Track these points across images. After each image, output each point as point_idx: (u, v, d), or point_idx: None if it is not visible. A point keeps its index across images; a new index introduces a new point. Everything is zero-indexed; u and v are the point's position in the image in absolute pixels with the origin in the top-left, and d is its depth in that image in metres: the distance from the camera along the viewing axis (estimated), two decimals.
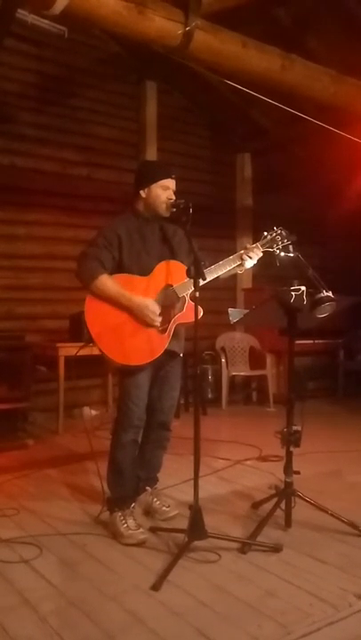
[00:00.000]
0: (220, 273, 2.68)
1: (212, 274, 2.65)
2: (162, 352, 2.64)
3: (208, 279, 2.60)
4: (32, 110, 5.34)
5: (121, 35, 3.59)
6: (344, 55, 4.59)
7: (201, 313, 2.48)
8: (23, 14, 4.51)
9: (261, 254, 2.76)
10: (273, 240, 2.76)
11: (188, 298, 2.64)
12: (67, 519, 2.83)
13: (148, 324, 2.60)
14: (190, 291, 2.61)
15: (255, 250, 2.74)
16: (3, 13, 4.39)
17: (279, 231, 2.77)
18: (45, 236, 5.38)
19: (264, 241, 2.77)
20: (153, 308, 2.60)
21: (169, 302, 2.65)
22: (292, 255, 2.75)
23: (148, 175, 2.74)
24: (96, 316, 2.62)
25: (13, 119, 5.22)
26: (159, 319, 2.62)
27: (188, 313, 2.64)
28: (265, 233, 2.79)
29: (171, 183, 2.71)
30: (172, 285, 2.66)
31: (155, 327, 2.62)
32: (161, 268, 2.68)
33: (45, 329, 5.24)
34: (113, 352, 2.61)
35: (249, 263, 2.73)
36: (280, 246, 2.74)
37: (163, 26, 3.41)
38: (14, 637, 1.84)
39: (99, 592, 2.13)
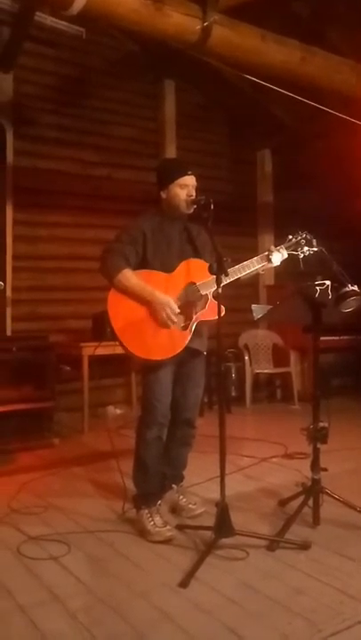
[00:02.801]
0: (243, 273, 2.67)
1: (236, 274, 2.64)
2: (183, 348, 2.63)
3: (231, 278, 2.59)
4: (52, 112, 5.38)
5: (139, 32, 3.60)
6: None
7: (223, 311, 2.47)
8: (41, 17, 4.54)
9: (286, 256, 2.75)
10: (297, 243, 2.74)
11: (210, 296, 2.63)
12: (94, 517, 2.85)
13: (163, 321, 2.59)
14: (213, 289, 2.60)
15: (281, 251, 2.73)
16: (22, 17, 4.44)
17: (303, 235, 2.75)
18: (67, 237, 5.41)
19: (289, 244, 2.75)
20: (173, 307, 2.60)
21: (191, 299, 2.65)
22: (315, 249, 2.73)
23: (166, 175, 2.75)
24: (119, 310, 2.63)
25: (34, 122, 5.27)
26: (175, 319, 2.60)
27: (209, 311, 2.64)
28: (290, 236, 2.77)
29: (189, 180, 2.71)
30: (195, 283, 2.66)
31: (171, 326, 2.60)
32: (185, 265, 2.69)
33: (68, 329, 5.27)
34: (134, 346, 2.61)
35: (273, 264, 2.73)
36: (304, 251, 2.73)
37: (180, 22, 3.40)
38: (44, 632, 1.85)
39: (127, 589, 2.14)
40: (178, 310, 2.61)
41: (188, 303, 2.64)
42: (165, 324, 2.59)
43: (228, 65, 4.23)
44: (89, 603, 2.04)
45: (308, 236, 2.73)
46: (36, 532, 2.63)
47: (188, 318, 2.64)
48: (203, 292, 2.64)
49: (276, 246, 2.76)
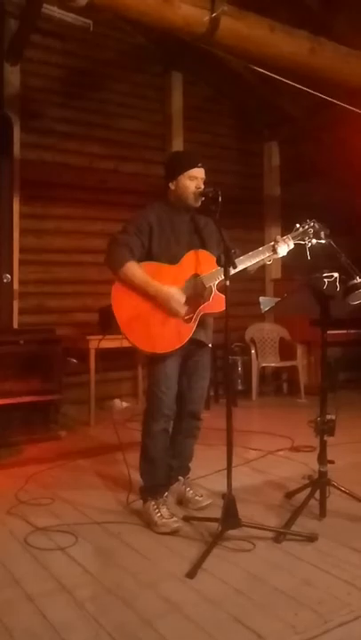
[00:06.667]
0: (250, 263, 2.66)
1: (243, 264, 2.63)
2: (187, 340, 2.63)
3: (238, 268, 2.58)
4: (59, 105, 5.37)
5: (147, 24, 3.57)
6: None
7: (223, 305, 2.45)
8: (49, 9, 4.52)
9: (293, 246, 2.72)
10: (305, 232, 2.71)
11: (214, 288, 2.63)
12: (101, 508, 2.86)
13: (171, 313, 2.60)
14: (217, 281, 2.61)
15: (286, 242, 2.70)
16: (29, 9, 4.43)
17: (312, 224, 2.72)
18: (74, 230, 5.42)
19: (296, 233, 2.72)
20: (178, 297, 2.59)
21: (195, 292, 2.64)
22: (323, 242, 2.71)
23: (175, 167, 2.74)
24: (123, 302, 2.63)
25: (40, 114, 5.27)
26: (183, 309, 2.60)
27: (214, 303, 2.64)
28: (297, 225, 2.74)
29: (198, 172, 2.70)
30: (199, 275, 2.65)
31: (178, 318, 2.60)
32: (190, 257, 2.68)
33: (76, 322, 5.29)
34: (138, 339, 2.62)
35: (280, 254, 2.70)
36: (312, 239, 2.69)
37: (189, 13, 3.38)
38: (52, 622, 1.86)
39: (134, 579, 2.14)
40: (184, 299, 2.61)
41: (193, 295, 2.64)
42: (173, 315, 2.59)
43: (236, 56, 4.20)
44: (96, 592, 2.05)
45: (317, 225, 2.69)
46: (43, 523, 2.64)
47: (192, 310, 2.64)
48: (207, 285, 2.63)
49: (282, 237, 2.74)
